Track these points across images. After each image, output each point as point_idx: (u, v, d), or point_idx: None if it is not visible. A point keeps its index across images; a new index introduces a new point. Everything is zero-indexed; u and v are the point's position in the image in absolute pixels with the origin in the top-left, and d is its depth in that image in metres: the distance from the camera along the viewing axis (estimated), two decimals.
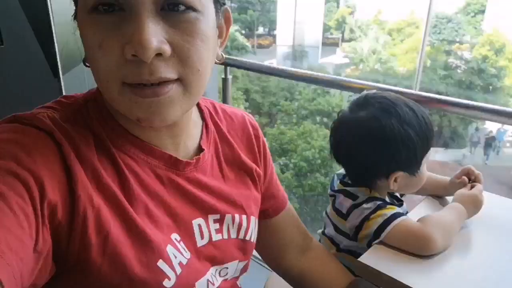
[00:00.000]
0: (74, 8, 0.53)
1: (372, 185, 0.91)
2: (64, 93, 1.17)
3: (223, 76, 1.93)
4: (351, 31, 18.04)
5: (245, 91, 13.48)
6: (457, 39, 16.20)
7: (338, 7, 20.55)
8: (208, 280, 0.64)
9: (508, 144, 13.40)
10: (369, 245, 0.85)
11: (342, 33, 19.43)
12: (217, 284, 0.67)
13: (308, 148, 10.07)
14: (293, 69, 1.80)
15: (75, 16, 0.53)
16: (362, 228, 0.87)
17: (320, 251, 0.90)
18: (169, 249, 0.58)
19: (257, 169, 0.76)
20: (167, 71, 0.49)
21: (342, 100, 11.90)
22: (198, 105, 0.71)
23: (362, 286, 0.82)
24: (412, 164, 0.88)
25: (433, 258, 0.79)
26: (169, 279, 0.57)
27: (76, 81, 1.28)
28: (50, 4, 1.17)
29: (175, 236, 0.60)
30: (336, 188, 0.98)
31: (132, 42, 0.46)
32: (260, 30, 22.54)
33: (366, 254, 0.80)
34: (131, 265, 0.53)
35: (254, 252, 0.78)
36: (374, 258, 0.79)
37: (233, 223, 0.69)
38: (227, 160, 0.71)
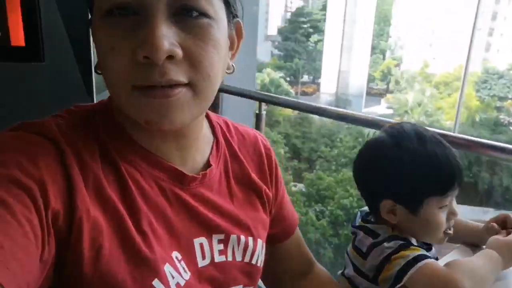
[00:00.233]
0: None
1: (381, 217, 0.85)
2: None
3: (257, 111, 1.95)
4: (396, 82, 18.03)
5: (286, 136, 13.58)
6: (510, 96, 15.74)
7: (384, 58, 20.71)
8: None
9: None
10: None
11: (387, 84, 19.44)
12: None
13: (346, 196, 9.85)
14: (327, 106, 1.79)
15: (90, 24, 0.55)
16: (382, 269, 0.79)
17: (321, 277, 0.87)
18: (167, 268, 0.55)
19: (267, 190, 0.73)
20: (178, 74, 0.49)
21: None
22: (210, 121, 0.70)
23: None
24: (407, 197, 0.81)
25: None
26: None
27: None
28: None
29: (176, 254, 0.57)
30: (357, 224, 0.92)
31: (145, 44, 0.47)
32: (305, 77, 23.04)
33: None
34: (123, 282, 0.51)
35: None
36: None
37: (238, 245, 0.65)
38: (236, 178, 0.69)
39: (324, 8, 25.42)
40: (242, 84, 1.98)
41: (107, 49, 0.49)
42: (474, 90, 16.38)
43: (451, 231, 0.84)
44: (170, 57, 0.48)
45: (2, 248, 0.39)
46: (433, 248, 0.92)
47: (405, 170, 0.80)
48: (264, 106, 1.94)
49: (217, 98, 1.96)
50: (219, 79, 0.55)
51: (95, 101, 1.36)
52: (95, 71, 0.57)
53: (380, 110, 18.95)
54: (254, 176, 0.71)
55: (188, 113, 0.52)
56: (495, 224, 0.88)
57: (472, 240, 0.94)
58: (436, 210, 0.81)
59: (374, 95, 20.00)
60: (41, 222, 0.45)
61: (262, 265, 0.70)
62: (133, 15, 0.49)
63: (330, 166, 12.51)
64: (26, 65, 1.21)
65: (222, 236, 0.63)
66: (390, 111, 17.91)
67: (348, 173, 10.93)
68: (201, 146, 0.65)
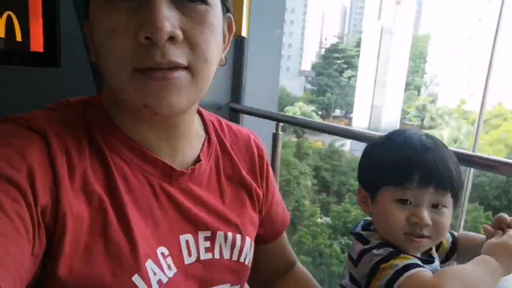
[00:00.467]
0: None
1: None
2: None
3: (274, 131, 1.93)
4: (432, 118, 17.64)
5: (315, 168, 13.44)
6: None
7: (418, 94, 20.45)
8: None
9: None
10: None
11: (422, 120, 19.07)
12: None
13: None
14: (346, 126, 1.76)
15: (86, 15, 0.56)
16: (372, 278, 0.75)
17: (299, 274, 0.86)
18: (149, 264, 0.54)
19: (257, 188, 0.72)
20: (178, 56, 0.50)
21: None
22: (202, 118, 0.71)
23: None
24: (367, 182, 0.82)
25: None
26: None
27: None
28: None
29: (162, 250, 0.56)
30: (355, 231, 0.87)
31: (147, 25, 0.48)
32: (337, 112, 23.01)
33: None
34: (103, 276, 0.50)
35: None
36: None
37: (225, 242, 0.64)
38: (226, 174, 0.68)
39: (358, 44, 25.70)
40: (264, 107, 1.97)
41: (108, 32, 0.50)
42: None
43: (419, 240, 0.77)
44: (171, 39, 0.49)
45: None
46: (437, 261, 0.85)
47: (373, 157, 0.83)
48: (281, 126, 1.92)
49: (236, 119, 1.97)
50: (214, 65, 0.56)
51: None
52: (89, 63, 0.58)
53: None
54: (245, 174, 0.71)
55: (186, 97, 0.53)
56: (488, 227, 0.80)
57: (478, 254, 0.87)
58: (390, 202, 0.77)
59: None
60: (32, 215, 0.45)
61: (250, 264, 0.69)
62: None
63: None
64: (42, 70, 1.26)
65: (208, 233, 0.62)
66: None
67: None
68: (192, 140, 0.65)
